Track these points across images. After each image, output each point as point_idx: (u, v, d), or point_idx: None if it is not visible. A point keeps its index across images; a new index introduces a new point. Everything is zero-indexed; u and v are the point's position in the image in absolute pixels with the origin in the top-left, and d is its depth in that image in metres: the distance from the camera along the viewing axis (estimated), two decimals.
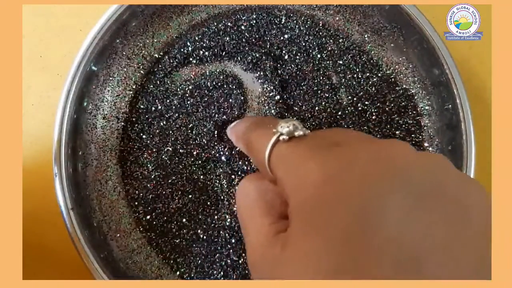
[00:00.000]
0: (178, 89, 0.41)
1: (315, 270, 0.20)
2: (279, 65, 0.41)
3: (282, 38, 0.41)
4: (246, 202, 0.28)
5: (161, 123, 0.40)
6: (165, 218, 0.40)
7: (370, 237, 0.19)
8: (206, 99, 0.40)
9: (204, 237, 0.40)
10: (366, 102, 0.41)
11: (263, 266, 0.24)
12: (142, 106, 0.41)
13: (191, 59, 0.41)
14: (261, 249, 0.24)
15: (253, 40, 0.41)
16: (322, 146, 0.23)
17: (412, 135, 0.41)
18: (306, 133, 0.25)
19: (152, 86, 0.41)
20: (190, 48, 0.41)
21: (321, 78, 0.41)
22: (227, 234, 0.39)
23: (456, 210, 0.20)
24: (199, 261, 0.39)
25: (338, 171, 0.21)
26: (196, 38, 0.41)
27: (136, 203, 0.40)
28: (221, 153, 0.40)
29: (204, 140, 0.40)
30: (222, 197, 0.40)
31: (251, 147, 0.29)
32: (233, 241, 0.39)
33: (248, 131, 0.30)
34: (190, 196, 0.40)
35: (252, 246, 0.26)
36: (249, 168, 0.39)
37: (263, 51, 0.41)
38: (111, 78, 0.41)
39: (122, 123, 0.41)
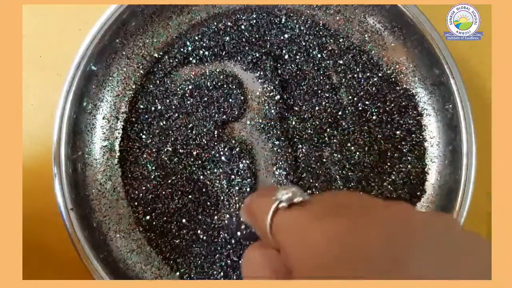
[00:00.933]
0: (178, 89, 0.41)
1: None
2: (279, 65, 0.41)
3: (282, 37, 0.41)
4: (252, 272, 0.28)
5: (161, 123, 0.40)
6: (165, 218, 0.40)
7: None
8: (206, 99, 0.40)
9: (204, 237, 0.40)
10: (367, 102, 0.41)
11: None
12: (141, 106, 0.41)
13: (191, 58, 0.41)
14: None
15: (253, 39, 0.41)
16: (323, 210, 0.24)
17: (413, 135, 0.41)
18: (305, 199, 0.25)
19: (151, 86, 0.41)
20: (190, 48, 0.41)
21: (321, 78, 0.41)
22: (227, 235, 0.39)
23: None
24: (199, 262, 0.39)
25: (343, 232, 0.21)
26: (196, 38, 0.41)
27: (136, 203, 0.40)
28: (221, 153, 0.40)
29: (204, 140, 0.40)
30: (222, 198, 0.40)
31: (254, 217, 0.29)
32: (233, 241, 0.39)
33: (251, 203, 0.30)
34: (190, 196, 0.40)
35: None
36: (248, 168, 0.40)
37: (263, 51, 0.40)
38: (110, 78, 0.41)
39: (122, 123, 0.41)
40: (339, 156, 0.40)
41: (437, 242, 0.22)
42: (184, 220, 0.40)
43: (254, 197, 0.30)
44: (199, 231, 0.40)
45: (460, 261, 0.22)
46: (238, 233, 0.39)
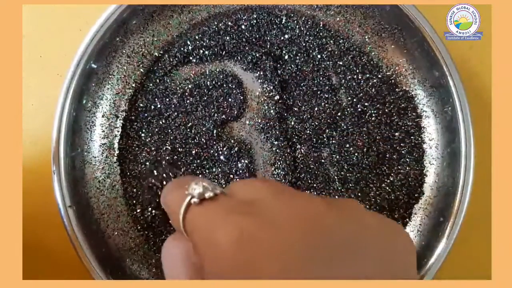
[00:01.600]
0: (178, 88, 0.41)
1: None
2: (279, 65, 0.41)
3: (282, 38, 0.41)
4: (171, 264, 0.27)
5: (160, 122, 0.40)
6: (163, 216, 0.40)
7: None
8: (205, 98, 0.40)
9: None
10: (366, 103, 0.41)
11: None
12: (141, 105, 0.41)
13: (191, 58, 0.41)
14: None
15: (253, 39, 0.41)
16: (231, 208, 0.23)
17: (412, 137, 0.41)
18: (217, 193, 0.24)
19: (151, 85, 0.41)
20: (190, 47, 0.41)
21: (321, 78, 0.41)
22: None
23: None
24: None
25: (248, 233, 0.21)
26: (196, 37, 0.41)
27: (134, 201, 0.40)
28: (220, 152, 0.40)
29: (203, 139, 0.40)
30: None
31: (168, 209, 0.28)
32: None
33: (166, 192, 0.28)
34: None
35: None
36: (247, 168, 0.40)
37: (263, 51, 0.40)
38: (110, 76, 0.41)
39: (121, 121, 0.41)
40: (337, 157, 0.40)
41: (352, 236, 0.22)
42: None
43: (170, 187, 0.29)
44: None
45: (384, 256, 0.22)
46: None
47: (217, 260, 0.21)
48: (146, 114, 0.41)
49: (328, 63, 0.41)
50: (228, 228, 0.21)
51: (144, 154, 0.40)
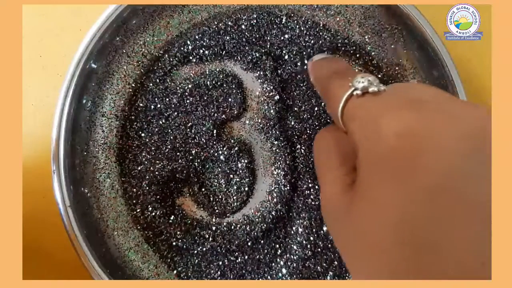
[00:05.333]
0: (178, 88, 0.41)
1: (386, 220, 0.20)
2: (279, 65, 0.41)
3: (282, 38, 0.41)
4: (323, 152, 0.28)
5: (160, 122, 0.40)
6: (163, 216, 0.40)
7: (453, 201, 0.19)
8: (205, 98, 0.40)
9: (202, 236, 0.40)
10: None
11: (336, 214, 0.25)
12: (141, 104, 0.41)
13: (191, 58, 0.41)
14: (335, 199, 0.25)
15: (254, 39, 0.41)
16: (397, 103, 0.23)
17: None
18: (380, 89, 0.25)
19: (151, 85, 0.41)
20: (190, 47, 0.41)
21: None
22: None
23: None
24: (196, 260, 0.39)
25: (417, 127, 0.21)
26: (196, 37, 0.41)
27: (134, 201, 0.40)
28: (220, 152, 0.40)
29: (203, 139, 0.40)
30: (220, 197, 0.40)
31: (327, 96, 0.29)
32: (230, 241, 0.39)
33: (327, 79, 0.30)
34: (188, 195, 0.40)
35: (327, 195, 0.26)
36: (247, 167, 0.40)
37: (263, 50, 0.40)
38: (110, 76, 0.41)
39: (121, 121, 0.41)
40: None
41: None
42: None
43: (333, 73, 0.30)
44: (197, 230, 0.40)
45: None
46: None
47: (377, 149, 0.22)
48: (146, 114, 0.41)
49: None
50: (392, 120, 0.22)
51: (144, 154, 0.40)
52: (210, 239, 0.39)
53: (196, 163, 0.40)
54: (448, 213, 0.19)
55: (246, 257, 0.39)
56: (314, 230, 0.39)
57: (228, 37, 0.41)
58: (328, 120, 0.40)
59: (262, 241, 0.40)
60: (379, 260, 0.21)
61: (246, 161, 0.40)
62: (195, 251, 0.39)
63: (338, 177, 0.26)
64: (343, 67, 0.33)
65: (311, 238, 0.39)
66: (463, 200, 0.19)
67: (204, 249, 0.39)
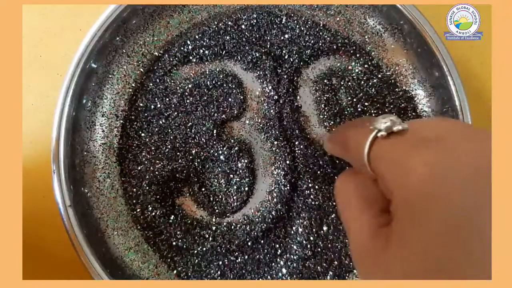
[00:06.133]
0: (178, 88, 0.41)
1: (419, 266, 0.21)
2: (279, 65, 0.41)
3: (282, 38, 0.41)
4: (346, 198, 0.28)
5: (160, 122, 0.40)
6: (163, 216, 0.40)
7: (473, 238, 0.20)
8: (205, 98, 0.40)
9: (202, 236, 0.40)
10: (366, 103, 0.41)
11: (367, 260, 0.25)
12: (141, 104, 0.41)
13: (191, 57, 0.41)
14: (365, 244, 0.25)
15: (253, 39, 0.41)
16: (423, 142, 0.23)
17: None
18: (404, 128, 0.25)
19: (151, 84, 0.41)
20: (190, 47, 0.41)
21: (321, 78, 0.41)
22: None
23: None
24: (196, 260, 0.39)
25: (442, 168, 0.21)
26: (196, 37, 0.41)
27: (134, 201, 0.40)
28: (220, 152, 0.40)
29: (203, 139, 0.40)
30: (220, 197, 0.40)
31: (347, 146, 0.29)
32: (230, 240, 0.39)
33: (345, 131, 0.30)
34: (188, 195, 0.40)
35: (355, 242, 0.26)
36: (247, 167, 0.40)
37: (263, 50, 0.40)
38: (110, 76, 0.41)
39: (121, 121, 0.41)
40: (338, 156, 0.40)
41: None
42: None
43: (345, 128, 0.30)
44: (197, 230, 0.40)
45: None
46: None
47: (408, 188, 0.22)
48: (146, 114, 0.41)
49: (328, 63, 0.41)
50: (418, 161, 0.22)
51: (144, 153, 0.40)
52: (210, 239, 0.39)
53: (196, 163, 0.40)
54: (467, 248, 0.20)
55: (246, 257, 0.39)
56: (314, 230, 0.39)
57: (228, 37, 0.41)
58: (328, 121, 0.40)
59: (262, 241, 0.39)
60: None
61: (246, 161, 0.40)
62: (195, 251, 0.39)
63: (367, 221, 0.26)
64: (357, 120, 0.33)
65: (311, 238, 0.39)
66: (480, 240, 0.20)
67: (204, 249, 0.39)
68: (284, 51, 0.41)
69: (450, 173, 0.21)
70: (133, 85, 0.41)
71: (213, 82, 0.40)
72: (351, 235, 0.27)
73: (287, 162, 0.39)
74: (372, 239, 0.24)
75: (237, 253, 0.39)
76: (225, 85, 0.41)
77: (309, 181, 0.40)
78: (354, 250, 0.26)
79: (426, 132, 0.25)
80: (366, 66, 0.41)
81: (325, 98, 0.40)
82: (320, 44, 0.41)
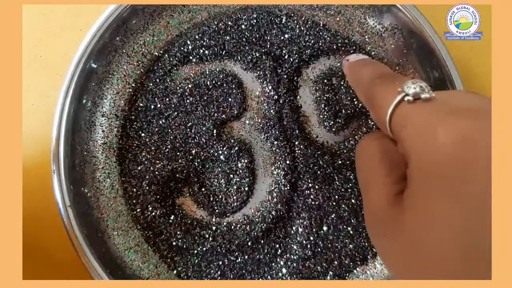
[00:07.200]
0: (178, 88, 0.41)
1: (446, 232, 0.20)
2: (279, 65, 0.41)
3: (282, 38, 0.41)
4: (368, 161, 0.28)
5: (160, 122, 0.40)
6: (163, 216, 0.40)
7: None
8: (205, 98, 0.40)
9: (202, 236, 0.40)
10: None
11: (383, 225, 0.25)
12: (141, 104, 0.41)
13: (191, 57, 0.41)
14: (382, 209, 0.25)
15: (253, 39, 0.41)
16: (454, 110, 0.23)
17: None
18: (432, 96, 0.24)
19: (151, 84, 0.41)
20: (190, 47, 0.41)
21: (321, 78, 0.41)
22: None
23: None
24: (196, 260, 0.39)
25: (474, 135, 0.21)
26: (196, 37, 0.41)
27: (134, 201, 0.40)
28: (220, 152, 0.40)
29: (203, 139, 0.40)
30: (220, 197, 0.40)
31: (372, 102, 0.28)
32: (230, 240, 0.39)
33: (370, 83, 0.29)
34: (188, 195, 0.40)
35: (372, 206, 0.26)
36: (247, 167, 0.40)
37: (263, 50, 0.40)
38: (110, 76, 0.41)
39: (121, 121, 0.41)
40: (338, 156, 0.40)
41: None
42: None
43: (378, 77, 0.29)
44: (197, 230, 0.40)
45: None
46: None
47: (433, 156, 0.22)
48: (146, 114, 0.41)
49: (328, 63, 0.41)
50: (450, 127, 0.21)
51: (144, 153, 0.40)
52: (210, 239, 0.39)
53: (196, 163, 0.40)
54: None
55: (246, 257, 0.39)
56: (314, 230, 0.39)
57: (228, 37, 0.41)
58: (328, 121, 0.40)
59: (262, 241, 0.39)
60: (440, 270, 0.21)
61: (246, 161, 0.40)
62: (195, 251, 0.39)
63: (386, 187, 0.25)
64: (387, 72, 0.32)
65: (311, 238, 0.39)
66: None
67: (204, 249, 0.39)
68: (284, 51, 0.41)
69: (482, 141, 0.21)
70: (133, 85, 0.41)
71: (213, 82, 0.40)
72: (366, 199, 0.27)
73: (287, 162, 0.39)
74: (389, 205, 0.24)
75: (237, 253, 0.39)
76: (225, 85, 0.41)
77: (309, 181, 0.40)
78: (369, 215, 0.26)
79: (456, 101, 0.24)
80: None
81: (325, 98, 0.40)
82: (320, 44, 0.41)
